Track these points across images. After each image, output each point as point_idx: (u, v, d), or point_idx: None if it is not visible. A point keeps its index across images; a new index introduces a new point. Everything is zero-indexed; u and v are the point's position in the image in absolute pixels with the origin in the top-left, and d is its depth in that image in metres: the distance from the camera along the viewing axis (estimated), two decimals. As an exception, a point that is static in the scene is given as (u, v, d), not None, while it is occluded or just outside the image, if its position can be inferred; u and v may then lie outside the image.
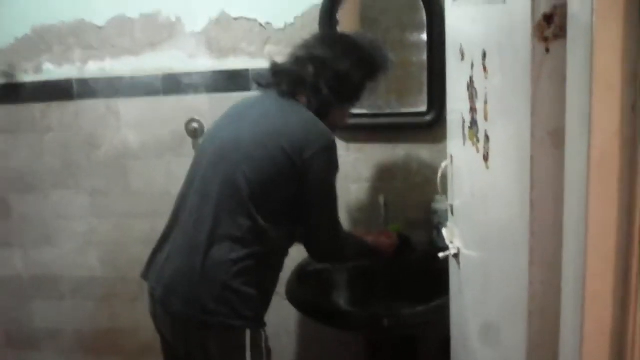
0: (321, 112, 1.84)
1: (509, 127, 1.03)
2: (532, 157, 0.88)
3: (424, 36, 2.34)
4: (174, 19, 2.51)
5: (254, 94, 2.03)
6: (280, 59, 1.95)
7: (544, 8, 0.84)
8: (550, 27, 0.84)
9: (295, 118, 1.80)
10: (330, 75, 1.83)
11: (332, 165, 1.80)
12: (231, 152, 1.77)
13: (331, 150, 1.78)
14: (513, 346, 1.05)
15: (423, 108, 2.39)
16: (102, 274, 2.82)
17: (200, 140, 2.05)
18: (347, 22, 2.41)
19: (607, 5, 0.71)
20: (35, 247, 2.86)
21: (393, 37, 2.43)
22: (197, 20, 2.50)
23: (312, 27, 2.35)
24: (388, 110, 2.46)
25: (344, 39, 1.97)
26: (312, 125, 1.79)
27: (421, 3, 2.31)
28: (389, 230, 2.29)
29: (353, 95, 1.93)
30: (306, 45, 1.91)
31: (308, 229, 1.84)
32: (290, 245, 1.91)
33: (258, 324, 1.78)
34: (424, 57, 2.36)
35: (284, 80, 1.86)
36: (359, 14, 2.49)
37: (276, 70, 1.91)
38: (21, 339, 2.99)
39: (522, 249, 0.94)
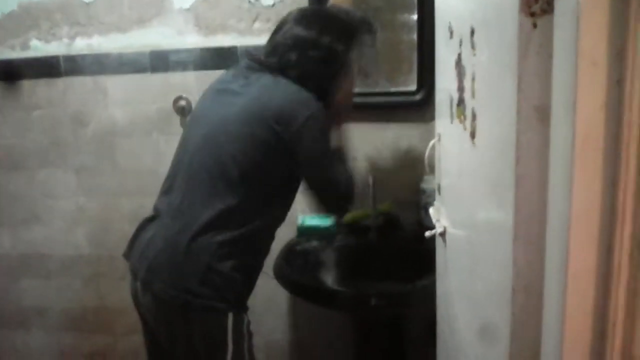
0: (320, 94, 1.81)
1: (495, 104, 1.02)
2: (517, 133, 0.88)
3: (414, 15, 2.34)
4: (162, -5, 2.49)
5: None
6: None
7: (532, -18, 0.83)
8: (538, 2, 0.83)
9: (279, 92, 1.77)
10: (315, 57, 1.81)
11: (321, 131, 1.78)
12: (217, 133, 1.76)
13: (318, 118, 1.76)
14: (497, 324, 1.05)
15: (413, 87, 2.40)
16: (89, 252, 2.82)
17: (187, 120, 2.03)
18: (337, -1, 2.40)
19: (593, -22, 0.71)
20: (22, 225, 2.85)
21: (383, 16, 2.42)
22: (185, -3, 2.48)
23: (302, 4, 2.34)
24: (377, 90, 2.45)
25: (321, 14, 1.95)
26: (295, 97, 1.76)
27: (411, -19, 2.31)
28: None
29: (343, 69, 1.90)
30: (284, 29, 1.87)
31: (318, 195, 1.86)
32: (277, 226, 1.90)
33: (241, 307, 1.78)
34: (414, 36, 2.35)
35: (270, 64, 1.85)
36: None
37: (256, 61, 1.88)
38: (9, 317, 2.99)
39: (507, 225, 0.93)
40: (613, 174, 0.73)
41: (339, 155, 1.90)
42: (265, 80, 1.81)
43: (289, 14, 1.91)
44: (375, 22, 1.97)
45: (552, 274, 0.86)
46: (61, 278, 2.88)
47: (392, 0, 2.41)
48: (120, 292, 2.80)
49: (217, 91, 1.88)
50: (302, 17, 1.88)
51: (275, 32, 1.90)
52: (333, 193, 1.86)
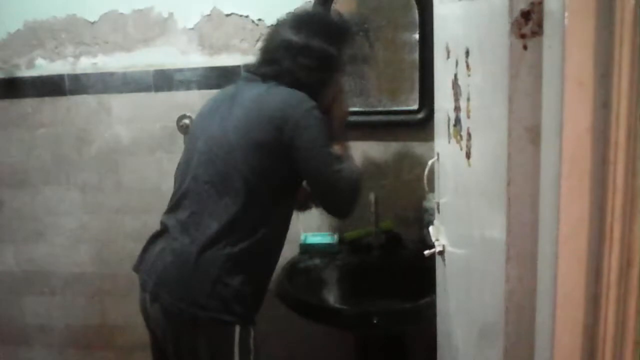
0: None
1: (488, 124, 1.03)
2: (509, 154, 0.88)
3: (416, 34, 2.35)
4: (166, 15, 2.51)
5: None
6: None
7: (522, 4, 0.84)
8: (528, 23, 0.84)
9: (274, 96, 1.78)
10: (306, 61, 1.82)
11: (319, 124, 1.77)
12: (218, 146, 1.78)
13: (314, 112, 1.76)
14: (491, 341, 1.05)
15: (415, 106, 2.41)
16: (93, 269, 2.82)
17: (186, 137, 2.03)
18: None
19: (579, 2, 0.71)
20: (26, 242, 2.85)
21: (386, 35, 2.44)
22: (189, 17, 2.50)
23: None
24: (380, 108, 2.46)
25: (311, 18, 1.94)
26: (290, 96, 1.78)
27: (414, 1, 2.32)
28: None
29: (335, 73, 1.93)
30: (275, 36, 1.89)
31: (320, 194, 1.85)
32: (283, 235, 1.92)
33: (248, 320, 1.78)
34: (416, 55, 2.36)
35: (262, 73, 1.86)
36: (351, 12, 2.48)
37: (252, 72, 1.90)
38: (12, 334, 2.99)
39: (500, 245, 0.94)
40: (601, 196, 0.74)
41: (340, 156, 1.85)
42: (259, 89, 1.82)
43: (279, 20, 1.93)
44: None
45: (543, 294, 0.86)
46: (64, 295, 2.89)
47: (394, 19, 2.43)
48: (123, 310, 2.81)
49: (215, 106, 1.90)
50: (292, 22, 1.89)
51: (266, 40, 1.92)
52: (335, 188, 1.81)
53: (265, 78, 1.85)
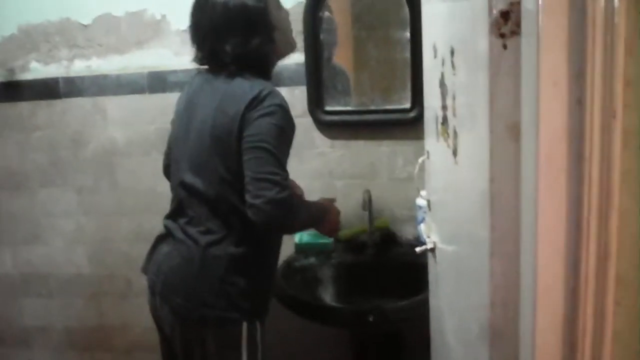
0: (261, 65, 1.82)
1: (472, 122, 1.05)
2: (491, 151, 0.90)
3: (407, 33, 2.36)
4: (159, 17, 2.52)
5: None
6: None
7: (501, 5, 0.86)
8: (507, 23, 0.86)
9: (233, 98, 1.72)
10: (235, 39, 1.76)
11: (274, 108, 1.69)
12: (198, 155, 1.78)
13: (269, 95, 1.70)
14: (478, 336, 1.07)
15: (407, 105, 2.42)
16: (90, 271, 2.84)
17: (170, 139, 2.02)
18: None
19: (553, 4, 0.73)
20: (23, 245, 2.87)
21: (377, 34, 2.45)
22: (182, 18, 2.47)
23: (296, 25, 2.36)
24: (372, 107, 2.47)
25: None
26: (240, 87, 1.73)
27: (404, 0, 2.34)
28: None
29: (271, 33, 1.83)
30: (196, 31, 1.85)
31: (253, 178, 1.64)
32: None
33: (255, 316, 1.82)
34: (408, 54, 2.38)
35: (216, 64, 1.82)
36: (344, 11, 2.50)
37: (201, 62, 1.88)
38: (11, 336, 3.01)
39: (484, 241, 0.96)
40: (577, 191, 0.76)
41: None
42: (222, 85, 1.77)
43: (191, 15, 1.87)
44: None
45: (525, 288, 0.88)
46: (62, 297, 2.90)
47: (385, 18, 2.44)
48: (120, 310, 2.83)
49: (188, 107, 1.88)
50: (203, 7, 1.82)
51: (191, 40, 1.87)
52: (272, 182, 1.63)
53: (219, 71, 1.80)
